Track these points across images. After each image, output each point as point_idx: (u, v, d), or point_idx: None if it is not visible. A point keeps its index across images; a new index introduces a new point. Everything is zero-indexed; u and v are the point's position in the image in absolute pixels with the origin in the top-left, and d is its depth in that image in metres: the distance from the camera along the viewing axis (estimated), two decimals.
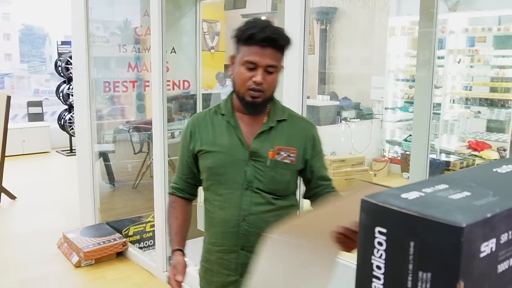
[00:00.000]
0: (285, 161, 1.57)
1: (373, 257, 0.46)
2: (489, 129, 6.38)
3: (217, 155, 1.57)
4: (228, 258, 1.61)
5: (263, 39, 1.45)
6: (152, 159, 3.57)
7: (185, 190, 1.71)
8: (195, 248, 4.87)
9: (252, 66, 1.47)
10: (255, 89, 1.49)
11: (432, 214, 0.42)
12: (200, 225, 4.55)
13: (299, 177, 1.67)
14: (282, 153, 1.56)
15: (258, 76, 1.47)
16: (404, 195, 0.46)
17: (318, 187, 1.65)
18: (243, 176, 1.55)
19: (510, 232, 0.45)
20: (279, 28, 1.53)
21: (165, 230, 3.43)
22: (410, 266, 0.43)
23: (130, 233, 4.09)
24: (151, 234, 4.06)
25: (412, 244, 0.43)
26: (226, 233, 1.60)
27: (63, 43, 7.98)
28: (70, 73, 7.11)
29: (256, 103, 1.52)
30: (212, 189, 1.62)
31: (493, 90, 6.18)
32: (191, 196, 1.73)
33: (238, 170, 1.55)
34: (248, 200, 1.56)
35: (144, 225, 4.14)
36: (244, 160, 1.55)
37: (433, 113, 4.27)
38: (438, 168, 5.86)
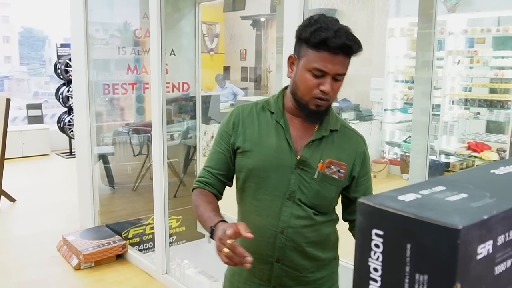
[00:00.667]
0: (334, 176, 1.44)
1: (370, 259, 0.46)
2: (488, 130, 6.39)
3: (261, 156, 1.44)
4: (261, 268, 1.49)
5: (338, 46, 1.31)
6: (152, 161, 3.57)
7: (214, 185, 1.51)
8: (196, 250, 4.88)
9: (320, 74, 1.34)
10: (321, 98, 1.36)
11: (429, 216, 0.42)
12: (200, 227, 4.56)
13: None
14: (332, 167, 1.44)
15: (327, 86, 1.34)
16: (401, 197, 0.46)
17: None
18: (286, 185, 1.43)
19: (507, 234, 0.45)
20: (350, 31, 1.36)
21: (165, 233, 3.43)
22: (407, 268, 0.43)
23: (130, 236, 4.09)
24: (150, 236, 4.05)
25: (408, 246, 0.43)
26: (261, 242, 1.45)
27: (62, 45, 7.98)
28: (70, 75, 7.11)
29: (320, 111, 1.40)
30: (249, 191, 1.48)
31: (492, 91, 6.19)
32: (219, 194, 1.53)
33: (282, 177, 1.43)
34: (289, 211, 1.43)
35: (144, 227, 4.14)
36: (290, 166, 1.42)
37: (433, 114, 4.28)
38: (438, 169, 5.86)
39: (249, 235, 1.19)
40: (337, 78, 1.36)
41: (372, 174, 7.06)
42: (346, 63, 1.35)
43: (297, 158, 1.42)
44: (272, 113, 1.47)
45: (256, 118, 1.48)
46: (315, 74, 1.34)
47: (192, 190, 1.54)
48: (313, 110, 1.39)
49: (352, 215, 1.55)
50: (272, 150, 1.43)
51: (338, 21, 1.37)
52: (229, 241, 1.18)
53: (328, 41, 1.30)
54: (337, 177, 1.45)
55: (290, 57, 1.43)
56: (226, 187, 1.56)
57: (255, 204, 1.47)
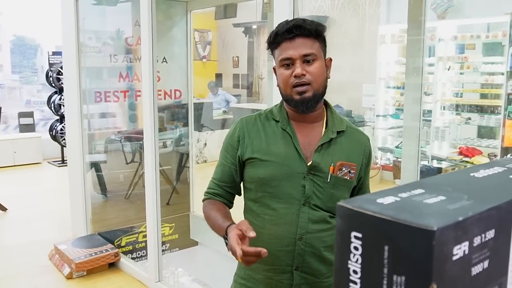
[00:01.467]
0: (346, 177, 1.45)
1: (349, 261, 0.47)
2: (479, 135, 6.43)
3: (271, 165, 1.44)
4: (280, 278, 1.47)
5: (288, 30, 1.38)
6: (144, 169, 3.56)
7: (223, 196, 1.54)
8: (189, 258, 4.86)
9: (289, 62, 1.39)
10: (299, 84, 1.38)
11: (405, 218, 0.42)
12: (194, 235, 4.55)
13: None
14: (344, 169, 1.44)
15: (298, 69, 1.37)
16: (379, 200, 0.47)
17: None
18: (301, 191, 1.43)
19: (483, 235, 0.46)
20: (305, 19, 1.42)
21: (158, 240, 3.42)
22: (385, 270, 0.44)
23: (123, 244, 4.08)
24: (143, 244, 4.04)
25: (386, 248, 0.43)
26: (279, 251, 1.45)
27: (54, 53, 7.97)
28: (62, 83, 7.09)
29: (306, 98, 1.39)
30: (262, 201, 1.47)
31: (483, 96, 6.24)
32: (229, 203, 1.56)
33: (295, 184, 1.43)
34: (306, 217, 1.43)
35: (137, 235, 4.13)
36: (302, 173, 1.43)
37: (424, 120, 4.31)
38: (430, 174, 5.88)
39: (252, 234, 1.23)
40: (307, 59, 1.39)
41: None
42: (308, 43, 1.39)
43: (308, 164, 1.43)
44: (277, 121, 1.48)
45: (262, 129, 1.48)
46: (285, 65, 1.39)
47: (203, 201, 1.57)
48: (298, 100, 1.40)
49: None
50: (282, 159, 1.44)
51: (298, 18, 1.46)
52: (238, 251, 1.22)
53: (280, 31, 1.39)
54: (348, 178, 1.46)
55: (273, 69, 1.48)
56: (236, 196, 1.59)
57: (270, 214, 1.46)
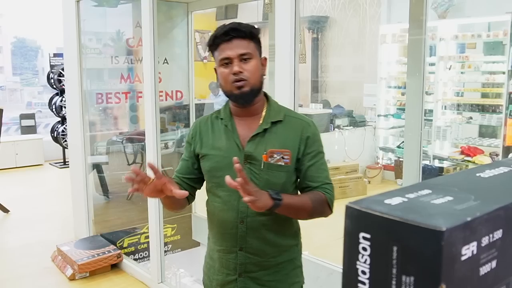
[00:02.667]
0: (279, 163, 1.58)
1: (358, 262, 0.47)
2: (481, 135, 6.43)
3: (215, 158, 1.62)
4: (228, 258, 1.66)
5: (225, 33, 1.54)
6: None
7: (183, 187, 1.67)
8: (192, 259, 4.85)
9: (227, 61, 1.55)
10: (237, 80, 1.54)
11: (414, 218, 0.43)
12: (196, 235, 4.55)
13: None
14: (275, 155, 1.58)
15: (235, 67, 1.53)
16: (387, 201, 0.47)
17: (305, 188, 1.62)
18: None
19: (491, 235, 0.46)
20: (241, 23, 1.60)
21: (160, 241, 3.43)
22: (394, 271, 0.44)
23: (125, 245, 4.08)
24: (145, 245, 4.04)
25: (395, 248, 0.44)
26: (225, 234, 1.64)
27: (55, 55, 7.98)
28: (63, 85, 7.10)
29: (244, 92, 1.56)
30: (212, 191, 1.66)
31: (484, 95, 6.24)
32: (189, 195, 1.67)
33: (235, 173, 1.52)
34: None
35: (139, 236, 4.13)
36: (240, 163, 1.56)
37: (426, 119, 4.31)
38: (431, 174, 5.88)
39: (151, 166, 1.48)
40: (244, 57, 1.54)
41: (366, 180, 7.00)
42: (243, 44, 1.55)
43: (244, 153, 1.59)
44: (221, 119, 1.66)
45: (211, 127, 1.68)
46: (224, 64, 1.56)
47: None
48: (237, 94, 1.57)
49: (305, 189, 1.64)
50: (223, 151, 1.61)
51: (234, 22, 1.59)
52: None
53: (218, 34, 1.56)
54: (283, 164, 1.59)
55: (214, 69, 1.63)
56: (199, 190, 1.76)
57: (218, 201, 1.64)
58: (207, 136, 1.66)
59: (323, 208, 1.58)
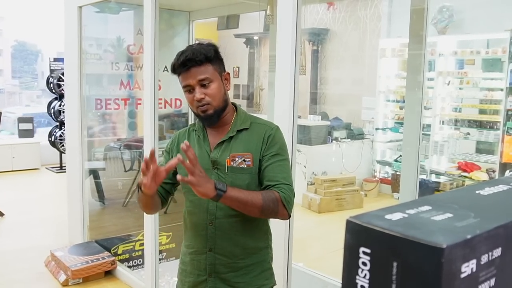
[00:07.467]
0: (241, 166, 1.67)
1: (357, 277, 0.47)
2: (478, 150, 6.45)
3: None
4: (199, 259, 1.74)
5: (182, 64, 1.63)
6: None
7: (159, 190, 1.74)
8: None
9: (189, 88, 1.65)
10: (200, 105, 1.65)
11: (414, 235, 0.43)
12: None
13: None
14: (236, 159, 1.68)
15: (197, 94, 1.64)
16: (388, 216, 0.47)
17: (265, 188, 1.65)
18: None
19: (490, 253, 0.46)
20: (195, 45, 1.69)
21: (155, 249, 3.41)
22: (393, 286, 0.44)
23: (119, 252, 4.06)
24: (140, 253, 4.02)
25: (395, 264, 0.44)
26: (196, 236, 1.74)
27: (55, 59, 7.99)
28: (62, 89, 7.11)
29: (209, 115, 1.67)
30: (186, 196, 1.76)
31: (482, 112, 6.27)
32: (162, 198, 1.78)
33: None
34: (214, 205, 1.66)
35: (134, 243, 4.11)
36: (209, 169, 1.68)
37: (423, 134, 4.32)
38: (428, 188, 5.89)
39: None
40: (203, 83, 1.64)
41: (362, 193, 6.99)
42: (201, 70, 1.63)
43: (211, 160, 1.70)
44: (195, 131, 1.79)
45: (188, 137, 1.79)
46: (187, 90, 1.66)
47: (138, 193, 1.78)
48: (203, 117, 1.68)
49: (265, 188, 1.66)
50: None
51: (190, 46, 1.69)
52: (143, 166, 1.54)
53: (176, 66, 1.65)
54: (245, 166, 1.68)
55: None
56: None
57: (189, 205, 1.75)
58: None
59: (276, 207, 1.59)
